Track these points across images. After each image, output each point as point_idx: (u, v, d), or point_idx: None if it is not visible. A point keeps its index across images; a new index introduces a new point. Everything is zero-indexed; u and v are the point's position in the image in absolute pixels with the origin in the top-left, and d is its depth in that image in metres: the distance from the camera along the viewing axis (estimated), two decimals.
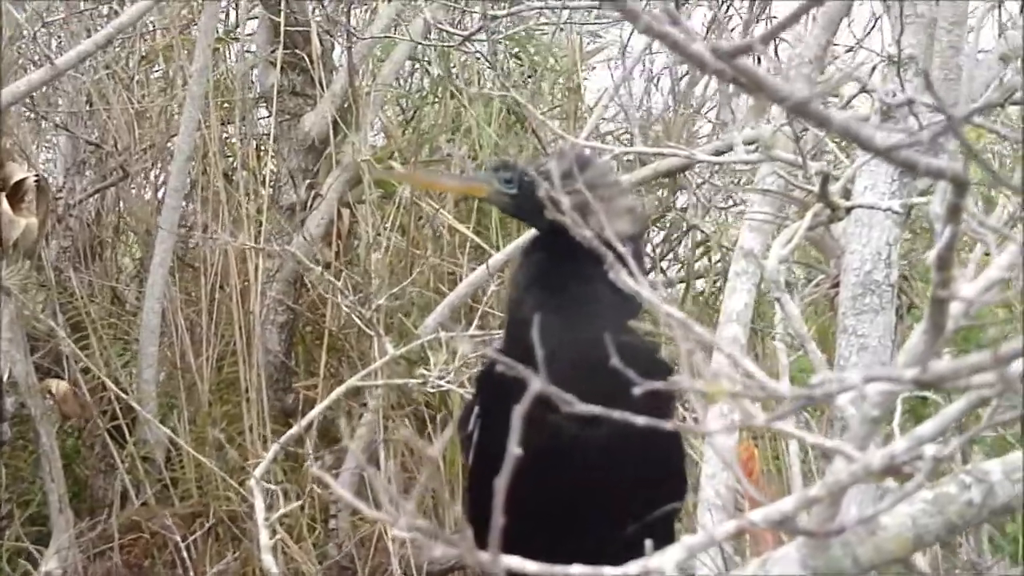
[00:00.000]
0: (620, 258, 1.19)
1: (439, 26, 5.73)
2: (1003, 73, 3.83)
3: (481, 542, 1.06)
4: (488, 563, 0.97)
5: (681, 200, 6.54)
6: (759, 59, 1.19)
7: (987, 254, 1.97)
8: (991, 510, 1.90)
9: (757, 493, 1.23)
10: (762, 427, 1.06)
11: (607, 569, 1.10)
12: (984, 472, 1.89)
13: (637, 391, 1.06)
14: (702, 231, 6.35)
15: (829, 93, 2.52)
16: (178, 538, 5.30)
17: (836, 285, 3.82)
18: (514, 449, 0.90)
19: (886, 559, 1.95)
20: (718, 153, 5.28)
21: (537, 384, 0.94)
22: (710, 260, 6.46)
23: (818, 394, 1.04)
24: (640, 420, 1.07)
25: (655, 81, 6.95)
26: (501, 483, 0.92)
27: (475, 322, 4.74)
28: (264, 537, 2.88)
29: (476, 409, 2.61)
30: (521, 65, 6.80)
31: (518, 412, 0.91)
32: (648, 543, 1.09)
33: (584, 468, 2.45)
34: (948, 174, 1.29)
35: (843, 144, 3.39)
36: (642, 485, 2.52)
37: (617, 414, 1.08)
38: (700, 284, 6.48)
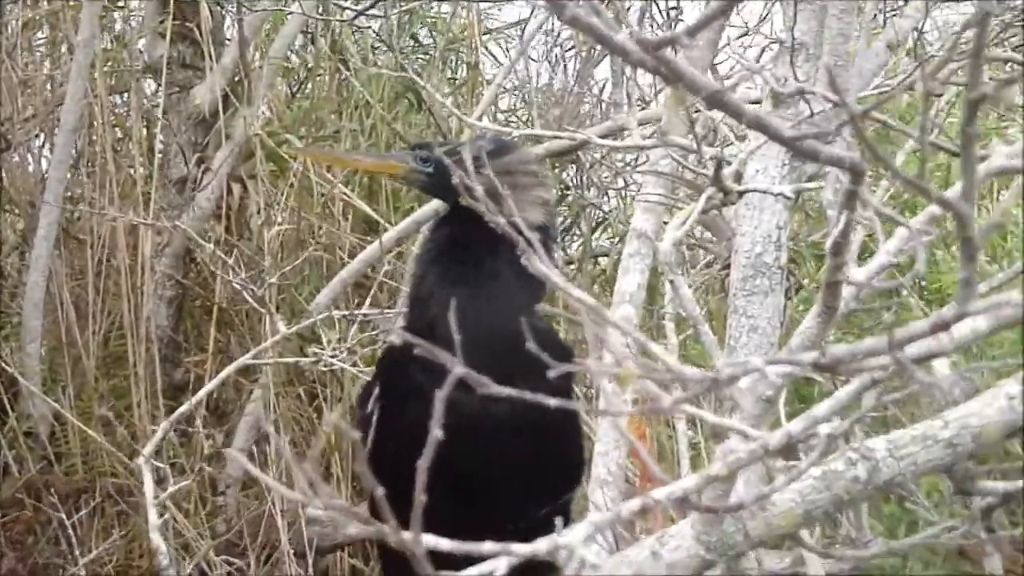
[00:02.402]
0: (529, 244, 1.21)
1: (332, 1, 5.68)
2: (890, 60, 3.93)
3: (383, 519, 1.07)
4: (409, 542, 0.98)
5: (572, 179, 6.58)
6: (675, 51, 1.23)
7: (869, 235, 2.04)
8: (876, 486, 1.98)
9: (658, 472, 1.26)
10: (669, 408, 1.10)
11: (516, 545, 1.13)
12: (869, 450, 1.97)
13: (551, 374, 1.08)
14: (600, 210, 6.41)
15: (733, 86, 2.57)
16: (63, 515, 5.21)
17: (727, 267, 3.89)
18: (437, 432, 0.92)
19: (776, 533, 2.02)
20: (611, 133, 5.34)
21: (459, 369, 0.96)
22: (611, 239, 6.50)
23: (723, 377, 1.08)
24: (552, 402, 1.10)
25: (553, 60, 6.98)
26: (423, 463, 0.94)
27: (368, 298, 4.74)
28: (153, 516, 2.86)
29: (376, 389, 2.61)
30: (418, 44, 6.77)
31: (440, 396, 0.93)
32: (558, 520, 1.11)
33: (489, 443, 2.47)
34: (847, 162, 1.34)
35: (736, 129, 3.46)
36: (544, 462, 2.56)
37: (530, 396, 1.10)
38: (602, 262, 6.51)
